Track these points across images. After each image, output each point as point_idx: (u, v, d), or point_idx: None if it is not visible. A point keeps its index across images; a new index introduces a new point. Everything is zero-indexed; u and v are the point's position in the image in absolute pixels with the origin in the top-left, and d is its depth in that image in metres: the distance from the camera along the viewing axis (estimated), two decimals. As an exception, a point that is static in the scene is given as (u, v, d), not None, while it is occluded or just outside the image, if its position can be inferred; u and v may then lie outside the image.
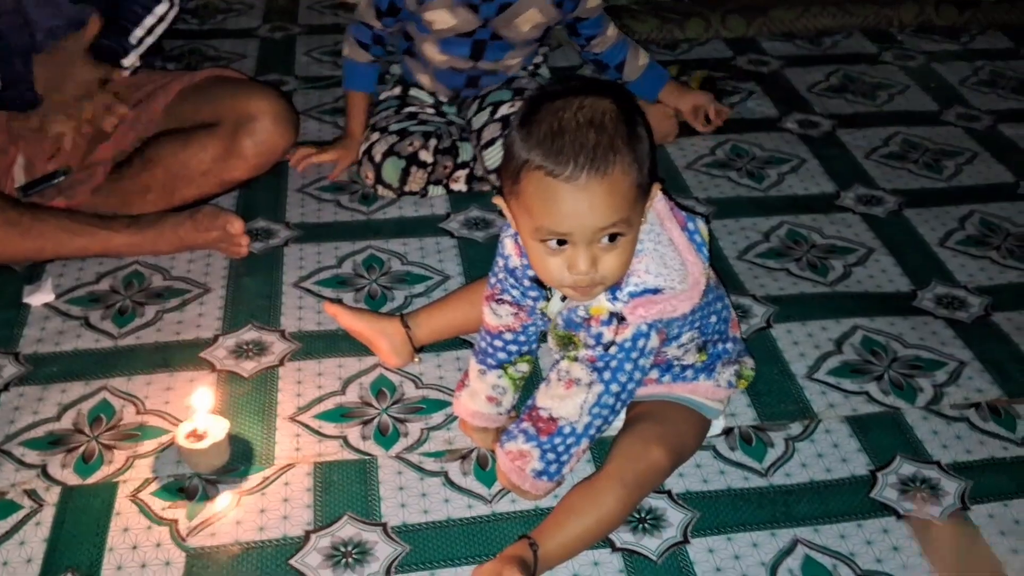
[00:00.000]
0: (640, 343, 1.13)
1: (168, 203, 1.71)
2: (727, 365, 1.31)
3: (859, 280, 1.72)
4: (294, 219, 1.84)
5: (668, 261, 1.11)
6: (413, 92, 1.97)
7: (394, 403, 1.44)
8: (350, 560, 1.20)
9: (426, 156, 1.85)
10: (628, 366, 1.14)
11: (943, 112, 2.29)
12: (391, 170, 1.85)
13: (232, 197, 1.88)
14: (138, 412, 1.41)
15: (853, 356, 1.54)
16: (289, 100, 2.01)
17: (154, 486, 1.30)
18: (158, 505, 1.27)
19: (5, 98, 1.66)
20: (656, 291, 1.10)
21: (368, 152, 1.87)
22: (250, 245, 1.70)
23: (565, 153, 1.01)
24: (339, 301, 1.59)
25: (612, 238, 1.05)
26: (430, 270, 1.72)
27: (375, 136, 1.88)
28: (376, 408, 1.43)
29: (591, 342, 1.15)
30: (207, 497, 1.28)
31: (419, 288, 1.67)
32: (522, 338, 1.31)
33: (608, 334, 1.13)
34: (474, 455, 1.36)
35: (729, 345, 1.31)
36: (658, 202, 1.15)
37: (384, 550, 1.22)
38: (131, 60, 1.74)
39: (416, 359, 1.49)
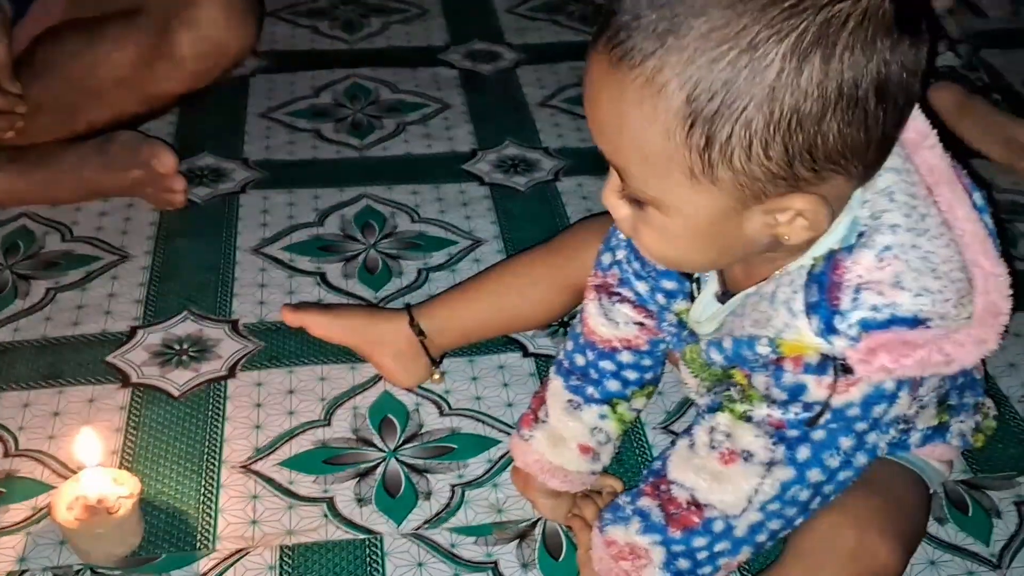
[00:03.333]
0: (876, 411, 0.63)
1: (69, 129, 1.20)
2: (965, 414, 0.81)
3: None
4: (255, 155, 1.33)
5: (939, 266, 0.60)
6: None
7: (406, 441, 0.93)
8: None
9: None
10: (846, 443, 0.64)
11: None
12: None
13: (167, 121, 1.37)
14: (5, 454, 0.90)
15: (1094, 367, 1.05)
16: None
17: (17, 587, 0.79)
18: (21, 623, 0.76)
19: None
20: (916, 322, 0.58)
21: None
22: (188, 190, 1.21)
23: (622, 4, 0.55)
24: (315, 303, 1.07)
25: (636, 201, 0.61)
26: (453, 230, 1.20)
27: None
28: (380, 449, 0.92)
29: (780, 395, 0.64)
30: (102, 612, 0.78)
31: (439, 257, 1.15)
32: (647, 361, 0.81)
33: (816, 389, 0.62)
34: (538, 533, 0.85)
35: (971, 392, 0.81)
36: (927, 149, 0.64)
37: None
38: None
39: (436, 375, 0.98)
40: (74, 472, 0.83)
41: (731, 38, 0.51)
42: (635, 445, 0.93)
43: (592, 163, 1.30)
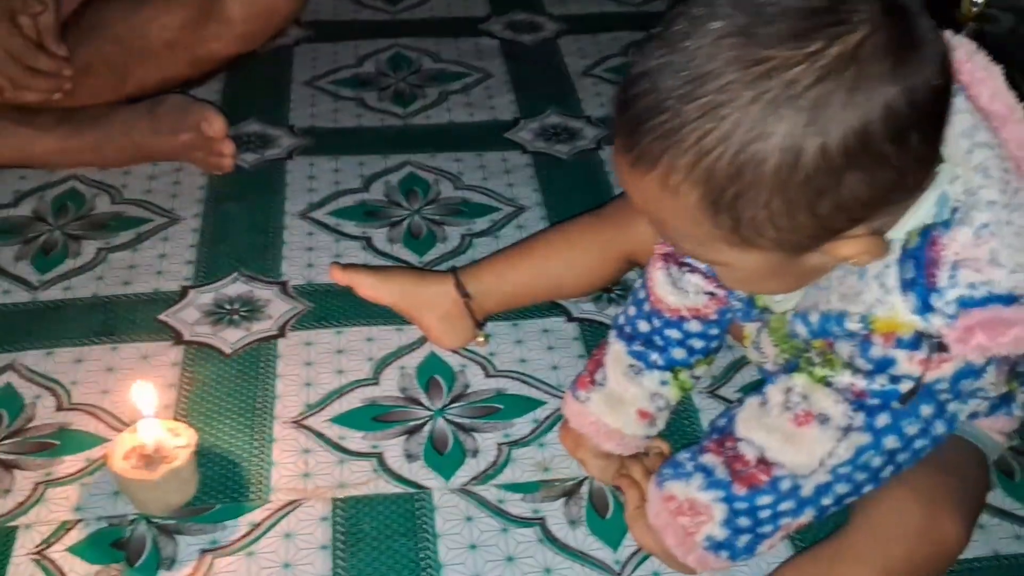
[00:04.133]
0: (964, 384, 0.63)
1: (118, 92, 1.21)
2: None
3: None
4: (301, 122, 1.33)
5: None
6: None
7: (453, 400, 0.93)
8: None
9: None
10: (927, 410, 0.64)
11: None
12: None
13: (214, 89, 1.37)
14: (58, 408, 0.92)
15: None
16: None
17: (75, 536, 0.80)
18: (78, 571, 0.78)
19: None
20: (1012, 299, 0.58)
21: None
22: (237, 155, 1.21)
23: (627, 108, 0.56)
24: (357, 265, 1.07)
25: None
26: (496, 197, 1.20)
27: None
28: (427, 408, 0.93)
29: (864, 366, 0.64)
30: (159, 559, 0.79)
31: (481, 223, 1.16)
32: (713, 331, 0.81)
33: (906, 364, 0.62)
34: (585, 491, 0.86)
35: None
36: (1015, 123, 0.62)
37: (450, 661, 0.74)
38: None
39: (480, 338, 0.98)
40: (128, 425, 0.85)
41: (728, 135, 0.52)
42: (681, 409, 0.93)
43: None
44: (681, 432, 0.91)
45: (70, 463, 0.87)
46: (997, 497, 0.87)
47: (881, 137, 0.52)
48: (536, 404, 0.94)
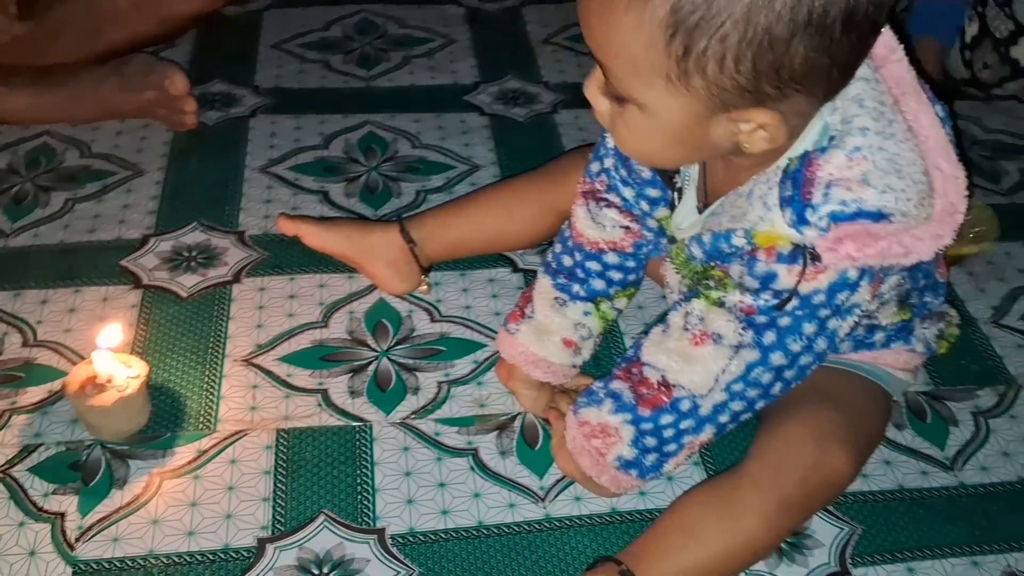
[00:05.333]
0: (839, 297, 0.68)
1: (88, 50, 1.25)
2: (929, 321, 0.85)
3: (1043, 188, 1.25)
4: (266, 82, 1.38)
5: (903, 167, 0.64)
6: None
7: (398, 343, 0.98)
8: (326, 592, 0.77)
9: None
10: (809, 328, 0.69)
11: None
12: None
13: (184, 51, 1.41)
14: (24, 343, 0.96)
15: (1055, 294, 1.09)
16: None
17: (34, 459, 0.86)
18: (38, 489, 0.83)
19: None
20: (879, 216, 0.63)
21: None
22: (199, 113, 1.25)
23: None
24: (315, 217, 1.12)
25: (616, 97, 0.65)
26: (452, 156, 1.24)
27: None
28: (373, 349, 0.97)
29: (752, 284, 0.69)
30: (112, 480, 0.84)
31: (436, 180, 1.20)
32: (631, 263, 0.87)
33: (786, 277, 0.67)
34: (517, 425, 0.91)
35: (932, 294, 0.85)
36: (894, 63, 0.68)
37: (380, 573, 0.79)
38: None
39: (424, 285, 1.03)
40: (88, 357, 0.90)
41: None
42: (614, 352, 0.99)
43: (590, 97, 1.34)
44: (611, 373, 0.96)
45: (33, 393, 0.91)
46: (907, 437, 0.92)
47: (840, 19, 0.57)
48: (477, 346, 0.99)
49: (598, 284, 0.86)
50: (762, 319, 0.69)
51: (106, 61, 1.23)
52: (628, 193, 0.83)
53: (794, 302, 0.67)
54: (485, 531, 0.82)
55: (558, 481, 0.86)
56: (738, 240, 0.68)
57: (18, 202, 1.14)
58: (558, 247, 0.89)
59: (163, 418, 0.90)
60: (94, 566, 0.78)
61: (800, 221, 0.64)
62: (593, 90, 0.67)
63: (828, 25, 0.57)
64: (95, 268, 1.05)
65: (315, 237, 1.00)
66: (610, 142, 0.84)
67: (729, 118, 0.62)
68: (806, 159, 0.65)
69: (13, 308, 1.00)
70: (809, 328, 0.69)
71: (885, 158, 0.63)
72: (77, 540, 0.80)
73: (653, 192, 0.81)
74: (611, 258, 0.86)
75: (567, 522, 0.83)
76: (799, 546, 0.82)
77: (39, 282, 1.03)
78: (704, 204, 0.76)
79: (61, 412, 0.90)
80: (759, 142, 0.64)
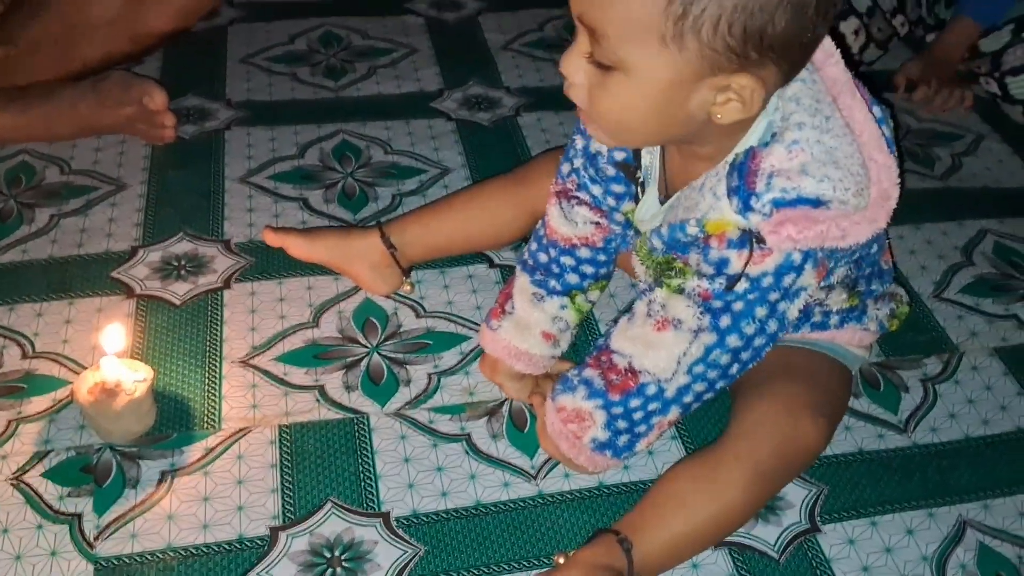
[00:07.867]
0: (786, 280, 0.74)
1: (64, 68, 1.27)
2: (881, 302, 0.93)
3: (973, 173, 1.34)
4: (237, 96, 1.42)
5: (841, 159, 0.71)
6: None
7: (387, 339, 1.04)
8: (339, 570, 0.82)
9: None
10: (760, 311, 0.75)
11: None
12: None
13: (153, 67, 1.44)
14: (23, 356, 1.00)
15: (989, 268, 1.18)
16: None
17: (46, 464, 0.89)
18: (53, 493, 0.87)
19: None
20: (817, 203, 0.70)
21: None
22: (177, 127, 1.29)
23: None
24: (303, 227, 1.16)
25: (600, 65, 0.68)
26: (424, 160, 1.30)
27: None
28: (364, 346, 1.03)
29: (708, 270, 0.75)
30: (125, 480, 0.88)
31: (411, 184, 1.26)
32: (602, 257, 0.93)
33: (737, 261, 0.74)
34: (505, 411, 0.97)
35: (879, 281, 0.93)
36: (831, 66, 0.75)
37: (388, 553, 0.84)
38: None
39: (407, 285, 1.09)
40: (91, 366, 0.93)
41: None
42: (591, 338, 1.05)
43: (550, 100, 1.40)
44: (590, 358, 1.02)
45: (38, 403, 0.94)
46: (863, 404, 1.00)
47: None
48: (462, 339, 1.04)
49: (572, 278, 0.93)
50: (718, 303, 0.75)
51: (82, 79, 1.26)
52: (596, 190, 0.89)
53: (745, 284, 0.74)
54: (483, 509, 0.88)
55: (547, 460, 0.92)
56: (692, 229, 0.75)
57: (2, 220, 1.16)
58: (533, 245, 0.95)
59: (169, 420, 0.94)
60: (115, 561, 0.82)
61: (746, 208, 0.71)
62: (573, 61, 0.69)
63: (806, 2, 0.63)
64: (87, 280, 1.08)
65: (299, 248, 1.04)
66: (579, 143, 0.89)
67: (712, 84, 0.67)
68: (750, 153, 0.72)
69: (9, 322, 1.03)
70: (761, 311, 0.75)
71: (823, 150, 0.70)
72: (96, 538, 0.84)
73: (618, 188, 0.88)
74: (583, 252, 0.92)
75: (558, 497, 0.89)
76: (773, 507, 0.89)
77: (33, 296, 1.06)
78: (665, 196, 0.83)
79: (68, 419, 0.93)
80: (732, 112, 0.68)
